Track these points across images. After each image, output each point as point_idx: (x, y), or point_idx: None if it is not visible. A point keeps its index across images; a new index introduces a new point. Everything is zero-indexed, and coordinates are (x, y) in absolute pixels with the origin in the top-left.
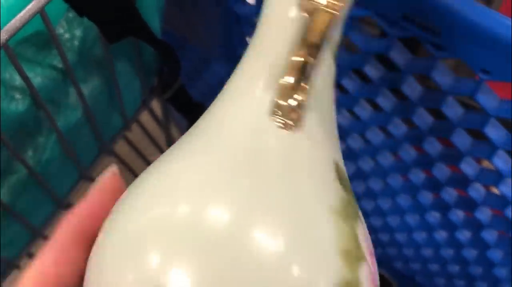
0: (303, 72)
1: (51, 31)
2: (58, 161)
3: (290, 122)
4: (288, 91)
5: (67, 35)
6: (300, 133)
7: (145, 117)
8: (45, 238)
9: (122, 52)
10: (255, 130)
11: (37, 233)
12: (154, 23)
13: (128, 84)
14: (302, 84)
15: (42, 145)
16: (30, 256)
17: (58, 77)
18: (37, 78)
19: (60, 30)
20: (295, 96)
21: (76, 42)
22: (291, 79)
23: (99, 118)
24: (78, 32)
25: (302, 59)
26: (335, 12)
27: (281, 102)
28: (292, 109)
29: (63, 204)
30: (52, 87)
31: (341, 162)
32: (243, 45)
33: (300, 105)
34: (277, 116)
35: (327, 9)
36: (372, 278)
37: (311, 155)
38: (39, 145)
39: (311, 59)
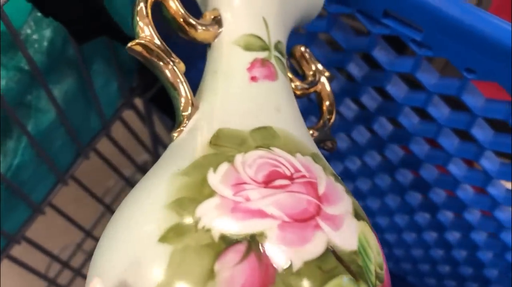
0: None
1: (12, 31)
2: (31, 165)
3: None
4: None
5: (35, 36)
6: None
7: (128, 114)
8: (21, 242)
9: (97, 52)
10: None
11: (12, 239)
12: (129, 21)
13: (106, 84)
14: None
15: (12, 150)
16: (10, 258)
17: (26, 80)
18: (2, 81)
19: (28, 31)
20: None
21: (45, 43)
22: None
23: (76, 120)
24: (47, 33)
25: None
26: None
27: None
28: None
29: (39, 209)
30: (19, 90)
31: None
32: None
33: None
34: None
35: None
36: (225, 204)
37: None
38: (9, 149)
39: None
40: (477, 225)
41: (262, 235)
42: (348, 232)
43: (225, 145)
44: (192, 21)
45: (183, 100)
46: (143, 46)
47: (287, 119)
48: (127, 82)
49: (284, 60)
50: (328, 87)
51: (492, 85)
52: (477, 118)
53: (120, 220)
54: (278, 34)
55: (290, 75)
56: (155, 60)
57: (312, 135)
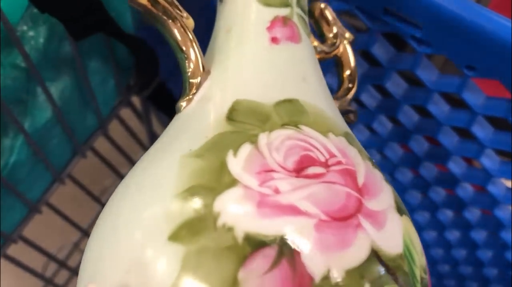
0: None
1: (8, 27)
2: (28, 164)
3: None
4: None
5: (31, 33)
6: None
7: (125, 112)
8: (18, 241)
9: (94, 49)
10: None
11: (8, 238)
12: (126, 18)
13: (103, 82)
14: None
15: (8, 148)
16: (7, 257)
17: (22, 77)
18: None
19: (24, 27)
20: None
21: (41, 40)
22: None
23: (73, 118)
24: (43, 29)
25: None
26: None
27: None
28: None
29: (35, 208)
30: (16, 87)
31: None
32: None
33: None
34: None
35: None
36: (250, 196)
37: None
38: (5, 147)
39: None
40: (477, 224)
41: (295, 236)
42: (392, 231)
43: (245, 121)
44: None
45: (192, 64)
46: None
47: (315, 90)
48: (124, 80)
49: (307, 19)
50: (350, 52)
51: (493, 82)
52: (477, 116)
53: (116, 213)
54: None
55: None
56: (161, 14)
57: None
